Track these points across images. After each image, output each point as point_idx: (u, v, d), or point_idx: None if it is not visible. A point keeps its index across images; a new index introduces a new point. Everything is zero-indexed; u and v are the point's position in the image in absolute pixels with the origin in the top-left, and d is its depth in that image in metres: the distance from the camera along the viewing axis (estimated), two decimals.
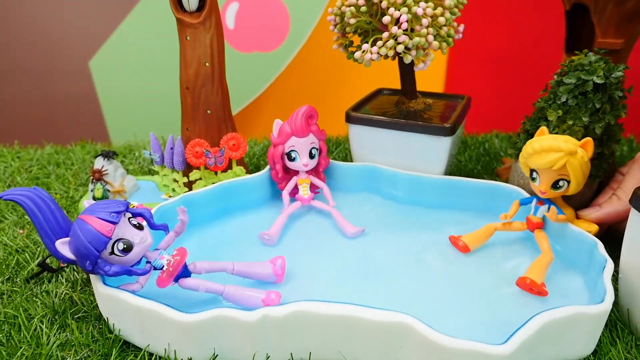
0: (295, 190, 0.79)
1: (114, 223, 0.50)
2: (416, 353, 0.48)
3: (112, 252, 0.51)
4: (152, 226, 0.56)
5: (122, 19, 1.45)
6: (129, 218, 0.54)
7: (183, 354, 0.51)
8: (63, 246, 0.51)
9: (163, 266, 0.55)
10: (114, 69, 1.53)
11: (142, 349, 0.54)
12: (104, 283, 0.54)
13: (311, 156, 0.76)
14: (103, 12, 1.46)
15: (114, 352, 0.53)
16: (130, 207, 0.55)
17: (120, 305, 0.52)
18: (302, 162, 0.76)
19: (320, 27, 1.39)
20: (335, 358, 0.52)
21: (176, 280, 0.56)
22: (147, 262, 0.55)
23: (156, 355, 0.53)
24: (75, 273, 0.67)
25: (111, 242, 0.51)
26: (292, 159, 0.76)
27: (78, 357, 0.53)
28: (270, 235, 0.70)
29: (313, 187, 0.80)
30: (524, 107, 0.85)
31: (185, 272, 0.56)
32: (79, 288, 0.64)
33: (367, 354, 0.51)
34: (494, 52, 1.49)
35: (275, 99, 1.59)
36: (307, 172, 0.78)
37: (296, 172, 0.79)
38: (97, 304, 0.60)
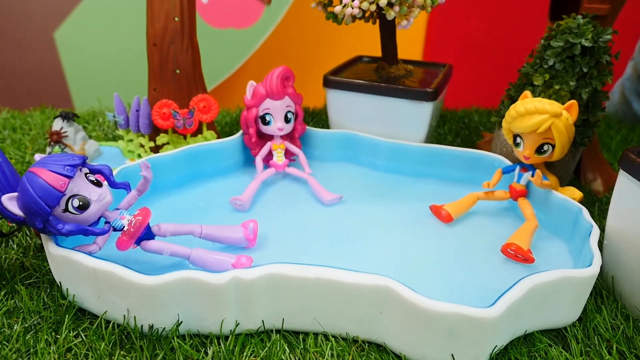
0: (269, 157, 0.75)
1: (69, 177, 0.45)
2: (396, 318, 0.45)
3: (66, 210, 0.46)
4: (112, 184, 0.51)
5: None
6: (86, 174, 0.49)
7: (144, 320, 0.47)
8: (10, 202, 0.46)
9: (124, 227, 0.50)
10: (80, 40, 1.45)
11: (98, 316, 0.49)
12: (57, 244, 0.49)
13: (287, 120, 0.72)
14: None
15: (66, 320, 0.48)
16: (88, 162, 0.50)
17: (74, 267, 0.47)
18: (276, 126, 0.71)
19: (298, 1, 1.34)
20: (310, 325, 0.48)
21: (138, 242, 0.51)
22: (106, 222, 0.50)
23: (114, 323, 0.48)
24: (28, 238, 0.61)
25: (65, 198, 0.46)
26: (266, 123, 0.72)
27: (27, 325, 0.48)
28: (242, 200, 0.65)
29: (288, 154, 0.76)
30: (503, 85, 0.82)
31: (148, 234, 0.52)
32: (32, 254, 0.59)
33: (343, 320, 0.47)
34: (470, 32, 1.47)
35: (250, 75, 1.53)
36: (282, 137, 0.74)
37: (270, 138, 0.74)
38: (49, 268, 0.54)
